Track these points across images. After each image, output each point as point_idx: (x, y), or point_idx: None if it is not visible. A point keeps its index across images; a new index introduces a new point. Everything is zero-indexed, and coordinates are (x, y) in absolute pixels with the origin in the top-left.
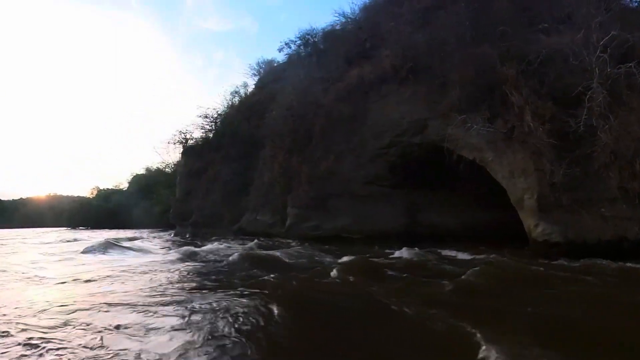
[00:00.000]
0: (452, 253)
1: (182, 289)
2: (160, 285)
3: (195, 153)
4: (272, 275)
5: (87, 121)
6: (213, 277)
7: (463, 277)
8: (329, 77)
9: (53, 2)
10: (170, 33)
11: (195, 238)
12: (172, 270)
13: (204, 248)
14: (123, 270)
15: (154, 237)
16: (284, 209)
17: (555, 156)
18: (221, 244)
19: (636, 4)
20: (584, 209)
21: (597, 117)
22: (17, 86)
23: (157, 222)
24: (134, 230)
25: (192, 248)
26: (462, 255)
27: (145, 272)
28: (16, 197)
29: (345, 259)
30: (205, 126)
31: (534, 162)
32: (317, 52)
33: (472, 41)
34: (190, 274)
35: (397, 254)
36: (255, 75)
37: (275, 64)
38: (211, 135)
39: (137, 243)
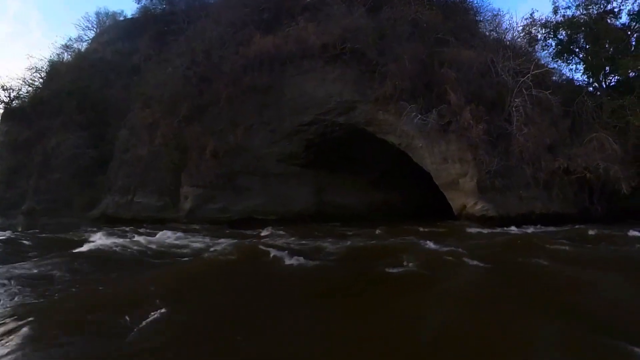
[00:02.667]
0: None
1: None
2: None
3: (23, 118)
4: None
5: None
6: None
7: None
8: (232, 42)
9: None
10: None
11: (35, 232)
12: None
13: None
14: None
15: None
16: (174, 188)
17: (490, 149)
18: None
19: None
20: (509, 191)
21: (519, 124)
22: None
23: None
24: None
25: None
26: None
27: None
28: None
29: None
30: (35, 83)
31: (471, 152)
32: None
33: (413, 39)
34: None
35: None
36: (90, 29)
37: (121, 18)
38: (41, 94)
39: None
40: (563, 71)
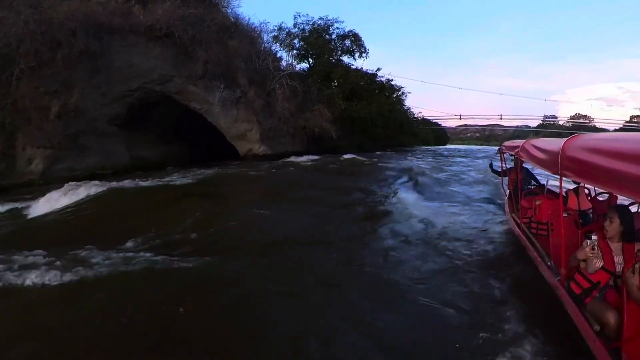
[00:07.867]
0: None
1: None
2: None
3: None
4: None
5: None
6: None
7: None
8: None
9: None
10: None
11: None
12: None
13: None
14: None
15: None
16: (9, 152)
17: (265, 114)
18: None
19: None
20: (276, 139)
21: (280, 100)
22: None
23: None
24: None
25: None
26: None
27: None
28: None
29: None
30: None
31: (255, 116)
32: None
33: (221, 35)
34: None
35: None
36: None
37: None
38: None
39: None
40: (298, 65)
